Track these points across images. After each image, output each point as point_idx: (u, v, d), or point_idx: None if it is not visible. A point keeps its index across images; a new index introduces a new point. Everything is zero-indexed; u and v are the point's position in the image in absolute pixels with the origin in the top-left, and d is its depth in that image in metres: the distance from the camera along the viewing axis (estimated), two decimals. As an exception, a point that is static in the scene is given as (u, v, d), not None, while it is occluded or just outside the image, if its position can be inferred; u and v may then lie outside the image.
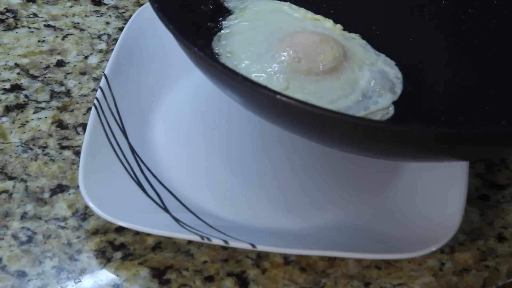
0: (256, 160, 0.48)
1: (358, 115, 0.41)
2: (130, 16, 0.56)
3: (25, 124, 0.50)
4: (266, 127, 0.44)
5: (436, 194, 0.43)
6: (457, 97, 0.45)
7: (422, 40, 0.49)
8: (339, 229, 0.43)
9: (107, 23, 0.61)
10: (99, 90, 0.48)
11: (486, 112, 0.43)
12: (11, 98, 0.53)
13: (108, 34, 0.59)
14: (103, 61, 0.56)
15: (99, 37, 0.59)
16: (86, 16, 0.61)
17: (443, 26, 0.50)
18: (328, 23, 0.49)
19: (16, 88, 0.53)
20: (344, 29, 0.49)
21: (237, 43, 0.46)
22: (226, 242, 0.40)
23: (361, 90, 0.43)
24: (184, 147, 0.48)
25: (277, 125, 0.39)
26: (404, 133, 0.33)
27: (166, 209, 0.43)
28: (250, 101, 0.37)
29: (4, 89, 0.53)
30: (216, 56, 0.45)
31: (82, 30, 0.60)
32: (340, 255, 0.40)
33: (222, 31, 0.47)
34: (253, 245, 0.39)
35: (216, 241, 0.40)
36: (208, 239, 0.40)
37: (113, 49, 0.51)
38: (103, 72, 0.49)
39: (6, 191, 0.46)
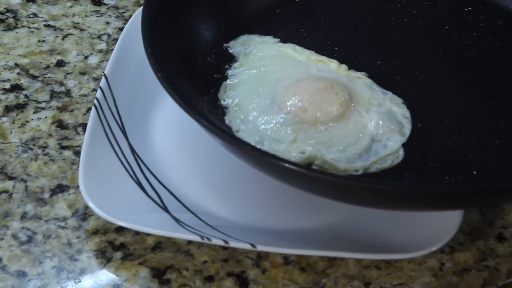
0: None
1: (368, 161, 0.41)
2: (130, 16, 0.56)
3: (25, 124, 0.50)
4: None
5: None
6: (465, 132, 0.43)
7: (428, 71, 0.48)
8: (339, 229, 0.43)
9: (107, 23, 0.61)
10: (99, 90, 0.48)
11: (496, 147, 0.42)
12: (11, 98, 0.53)
13: (108, 34, 0.59)
14: (103, 61, 0.56)
15: (99, 37, 0.59)
16: (86, 16, 0.61)
17: (448, 54, 0.49)
18: (333, 64, 0.48)
19: (16, 88, 0.53)
20: (349, 68, 0.48)
21: (243, 94, 0.46)
22: (226, 242, 0.40)
23: (370, 134, 0.43)
24: (184, 147, 0.48)
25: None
26: (409, 194, 0.34)
27: (166, 209, 0.43)
28: (258, 166, 0.38)
29: (4, 89, 0.53)
30: (224, 109, 0.45)
31: (82, 30, 0.60)
32: (340, 255, 0.40)
33: (228, 81, 0.47)
34: (253, 245, 0.39)
35: (216, 241, 0.40)
36: (208, 239, 0.40)
37: (113, 49, 0.51)
38: (103, 72, 0.49)
39: (6, 191, 0.46)
